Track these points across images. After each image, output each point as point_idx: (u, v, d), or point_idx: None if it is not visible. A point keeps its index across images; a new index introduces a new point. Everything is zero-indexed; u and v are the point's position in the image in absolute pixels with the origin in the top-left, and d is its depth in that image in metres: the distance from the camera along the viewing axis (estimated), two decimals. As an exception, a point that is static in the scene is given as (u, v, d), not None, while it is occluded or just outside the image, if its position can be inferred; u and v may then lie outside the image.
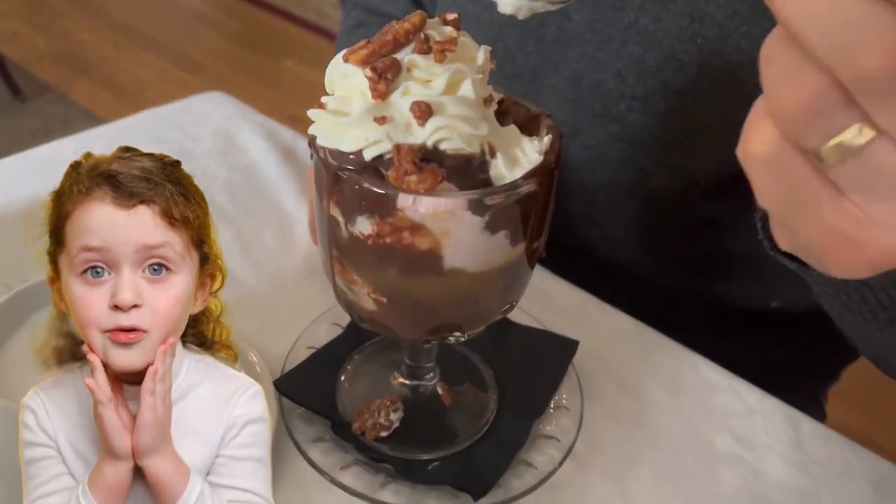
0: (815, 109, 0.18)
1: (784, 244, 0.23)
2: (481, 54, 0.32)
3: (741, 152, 0.21)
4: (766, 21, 0.25)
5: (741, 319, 0.58)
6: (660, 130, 0.50)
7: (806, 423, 0.46)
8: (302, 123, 0.67)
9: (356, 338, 0.47)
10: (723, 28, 0.46)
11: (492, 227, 0.32)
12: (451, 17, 0.32)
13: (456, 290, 0.34)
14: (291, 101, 2.13)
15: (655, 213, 0.54)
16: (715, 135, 0.48)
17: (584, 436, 0.43)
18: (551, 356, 0.46)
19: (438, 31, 0.32)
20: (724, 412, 0.46)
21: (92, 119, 2.17)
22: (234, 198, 0.60)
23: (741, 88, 0.45)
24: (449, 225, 0.31)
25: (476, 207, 0.31)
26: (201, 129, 0.68)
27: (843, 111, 0.18)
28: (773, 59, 0.19)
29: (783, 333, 0.60)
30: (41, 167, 0.62)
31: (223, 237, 0.55)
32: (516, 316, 0.48)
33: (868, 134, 0.18)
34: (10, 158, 0.64)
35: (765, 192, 0.21)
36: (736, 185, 0.45)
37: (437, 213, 0.31)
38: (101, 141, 0.66)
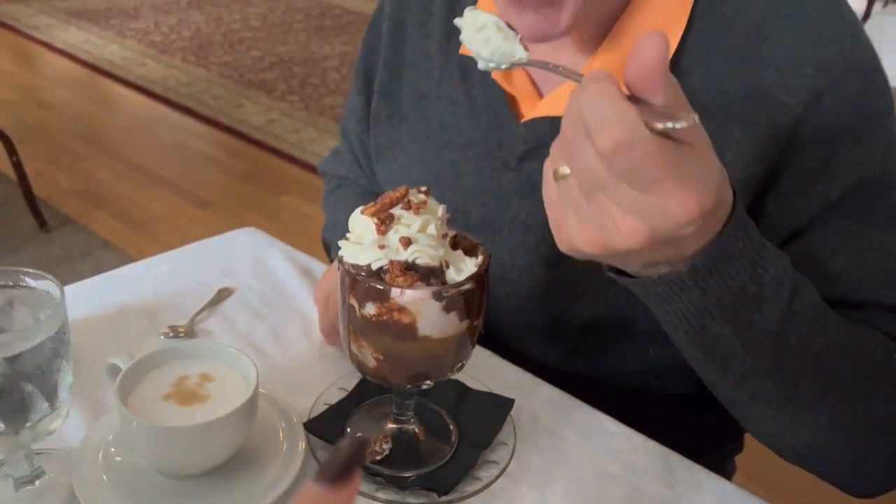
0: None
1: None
2: (441, 210, 0.55)
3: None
4: None
5: (636, 401, 0.73)
6: (540, 289, 0.71)
7: (674, 456, 0.65)
8: (300, 249, 0.89)
9: (358, 397, 0.67)
10: None
11: (447, 309, 0.53)
12: (423, 189, 0.55)
13: (426, 350, 0.55)
14: (289, 232, 2.38)
15: (541, 340, 0.74)
16: (579, 290, 0.69)
17: (516, 462, 0.62)
18: (495, 409, 0.66)
19: (416, 196, 0.54)
20: (616, 449, 0.66)
21: (109, 248, 2.40)
22: (267, 304, 0.81)
23: None
24: (421, 308, 0.53)
25: (437, 297, 0.53)
26: (241, 255, 0.90)
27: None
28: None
29: (670, 418, 0.74)
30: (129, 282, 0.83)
31: (259, 332, 0.77)
32: (472, 383, 0.68)
33: (566, 171, 0.42)
34: (105, 275, 0.85)
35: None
36: (601, 320, 0.65)
37: (414, 300, 0.52)
38: (162, 266, 0.88)
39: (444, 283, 0.54)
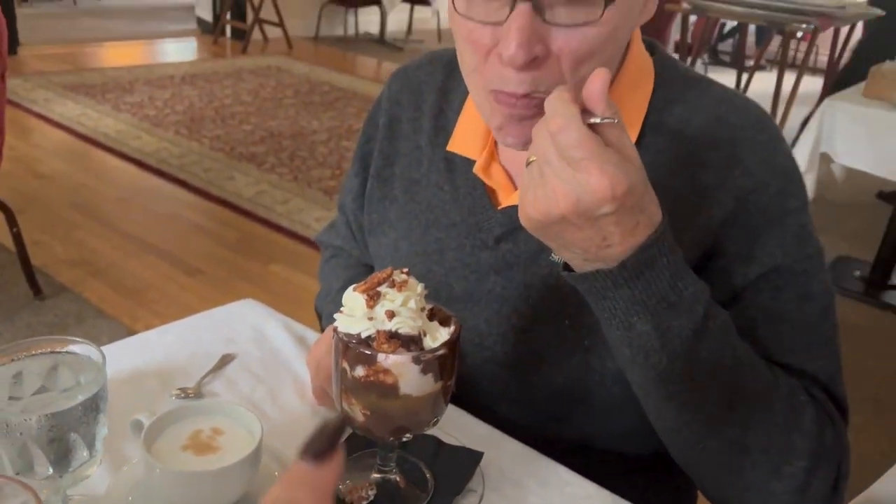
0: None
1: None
2: (420, 288, 0.66)
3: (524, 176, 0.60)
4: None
5: (596, 461, 0.82)
6: (512, 355, 0.81)
7: (621, 501, 0.75)
8: (289, 314, 0.99)
9: (347, 451, 0.76)
10: (529, 289, 0.79)
11: (424, 371, 0.64)
12: (405, 270, 0.66)
13: (407, 406, 0.65)
14: (278, 300, 2.47)
15: (512, 403, 0.84)
16: (544, 358, 0.79)
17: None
18: (466, 461, 0.75)
19: (399, 276, 0.66)
20: (571, 494, 0.75)
21: (102, 316, 2.47)
22: (265, 368, 0.91)
23: (562, 324, 0.77)
24: (402, 370, 0.63)
25: (416, 361, 0.63)
26: (241, 324, 1.00)
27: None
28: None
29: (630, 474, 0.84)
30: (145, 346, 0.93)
31: (259, 393, 0.86)
32: (447, 438, 0.78)
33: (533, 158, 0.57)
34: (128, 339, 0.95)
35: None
36: (563, 388, 0.76)
37: (396, 363, 0.63)
38: (171, 335, 0.97)
39: (422, 349, 0.64)
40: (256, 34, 6.41)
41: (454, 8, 0.67)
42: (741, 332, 0.69)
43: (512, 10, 0.63)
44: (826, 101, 2.80)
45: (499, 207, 0.82)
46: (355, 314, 0.65)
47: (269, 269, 2.89)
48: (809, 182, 2.82)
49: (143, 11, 7.56)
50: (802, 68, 3.91)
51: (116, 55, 5.96)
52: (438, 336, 0.66)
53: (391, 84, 0.94)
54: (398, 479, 0.73)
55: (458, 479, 0.73)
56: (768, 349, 0.73)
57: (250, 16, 6.35)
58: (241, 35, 6.42)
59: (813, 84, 5.08)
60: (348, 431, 0.66)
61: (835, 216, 3.99)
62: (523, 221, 0.60)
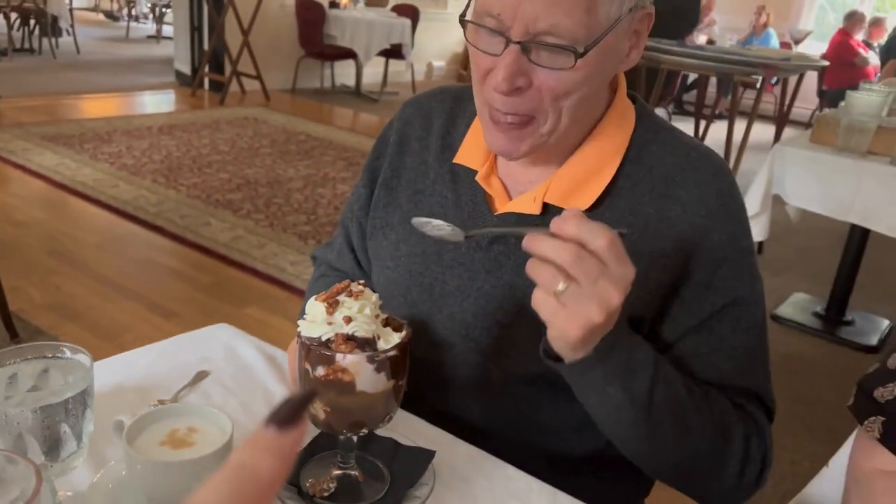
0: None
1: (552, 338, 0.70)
2: (375, 297, 0.75)
3: (533, 301, 0.69)
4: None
5: (545, 463, 0.92)
6: (495, 346, 0.92)
7: (560, 495, 0.83)
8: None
9: (311, 451, 0.84)
10: (514, 289, 0.89)
11: (378, 370, 0.72)
12: (362, 282, 0.75)
13: (363, 402, 0.73)
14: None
15: (486, 393, 0.94)
16: (522, 350, 0.89)
17: (434, 499, 0.79)
18: (420, 458, 0.83)
19: (356, 287, 0.75)
20: (514, 489, 0.83)
21: (78, 357, 2.51)
22: (237, 383, 0.99)
23: (540, 320, 0.86)
24: (359, 368, 0.72)
25: (371, 360, 0.72)
26: (215, 345, 1.07)
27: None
28: (533, 269, 0.67)
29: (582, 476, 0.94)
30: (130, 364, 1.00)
31: (231, 404, 0.93)
32: (403, 440, 0.86)
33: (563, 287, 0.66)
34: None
35: (538, 304, 0.68)
36: (538, 375, 0.87)
37: (353, 363, 0.71)
38: (152, 353, 1.05)
39: (376, 350, 0.73)
40: (234, 87, 6.56)
41: (465, 36, 0.81)
42: (701, 356, 0.86)
43: (505, 48, 0.76)
44: (776, 147, 2.97)
45: (495, 213, 0.92)
46: (316, 320, 0.73)
47: (245, 311, 2.94)
48: (763, 222, 2.97)
49: (122, 64, 7.72)
50: (752, 116, 4.14)
51: (95, 107, 6.07)
52: (391, 339, 0.74)
53: (404, 108, 1.07)
54: (357, 474, 0.80)
55: (412, 474, 0.81)
56: (723, 372, 0.87)
57: (228, 69, 6.52)
58: (219, 87, 6.57)
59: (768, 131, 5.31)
60: (313, 404, 0.73)
61: (794, 256, 4.15)
62: (558, 343, 0.73)
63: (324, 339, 0.73)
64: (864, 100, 2.79)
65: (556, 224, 0.66)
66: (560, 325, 0.69)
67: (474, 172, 0.94)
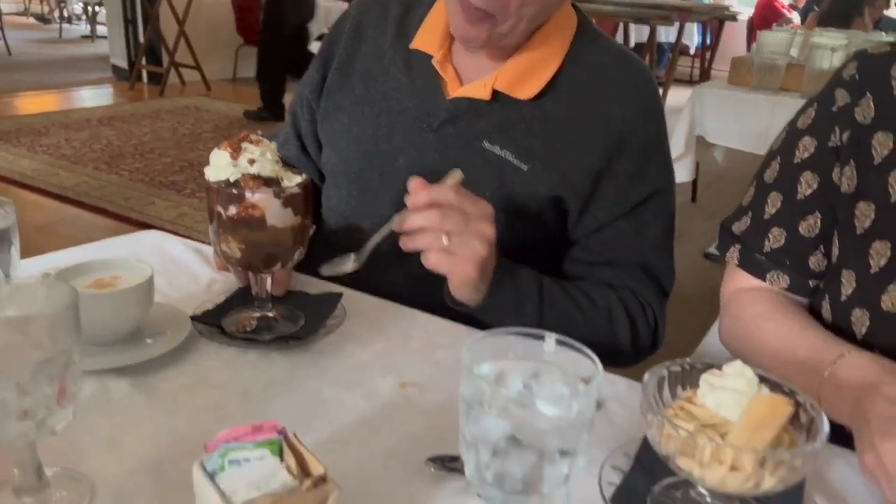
0: None
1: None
2: (273, 145, 0.83)
3: (429, 263, 0.83)
4: None
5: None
6: None
7: (474, 330, 0.92)
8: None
9: (231, 302, 0.91)
10: (461, 166, 0.87)
11: (285, 205, 0.80)
12: (259, 132, 0.83)
13: (274, 237, 0.81)
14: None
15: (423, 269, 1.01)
16: None
17: (344, 328, 0.87)
18: (330, 299, 0.92)
19: (255, 136, 0.82)
20: (419, 323, 0.92)
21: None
22: (167, 270, 1.05)
23: (481, 194, 0.87)
24: (267, 203, 0.79)
25: (277, 195, 0.79)
26: (143, 243, 1.14)
27: None
28: (415, 241, 0.83)
29: None
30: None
31: (159, 282, 1.00)
32: (314, 292, 0.93)
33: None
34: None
35: (435, 263, 0.83)
36: None
37: (261, 198, 0.79)
38: (81, 253, 1.10)
39: (280, 187, 0.81)
40: (174, 79, 6.52)
41: None
42: (627, 239, 0.98)
43: None
44: (695, 89, 3.12)
45: (448, 97, 0.99)
46: (222, 165, 0.81)
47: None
48: (688, 163, 3.12)
49: (56, 63, 7.58)
50: (675, 52, 4.40)
51: (30, 104, 5.96)
52: (294, 179, 0.82)
53: None
54: (274, 314, 0.88)
55: (324, 311, 0.89)
56: (643, 253, 0.99)
57: (166, 60, 6.47)
58: (158, 80, 6.51)
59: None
60: (228, 243, 0.83)
61: (726, 200, 4.33)
62: (463, 289, 0.85)
63: (232, 180, 0.80)
64: (773, 38, 2.95)
65: (410, 200, 0.80)
66: (459, 272, 0.82)
67: (429, 58, 1.01)
